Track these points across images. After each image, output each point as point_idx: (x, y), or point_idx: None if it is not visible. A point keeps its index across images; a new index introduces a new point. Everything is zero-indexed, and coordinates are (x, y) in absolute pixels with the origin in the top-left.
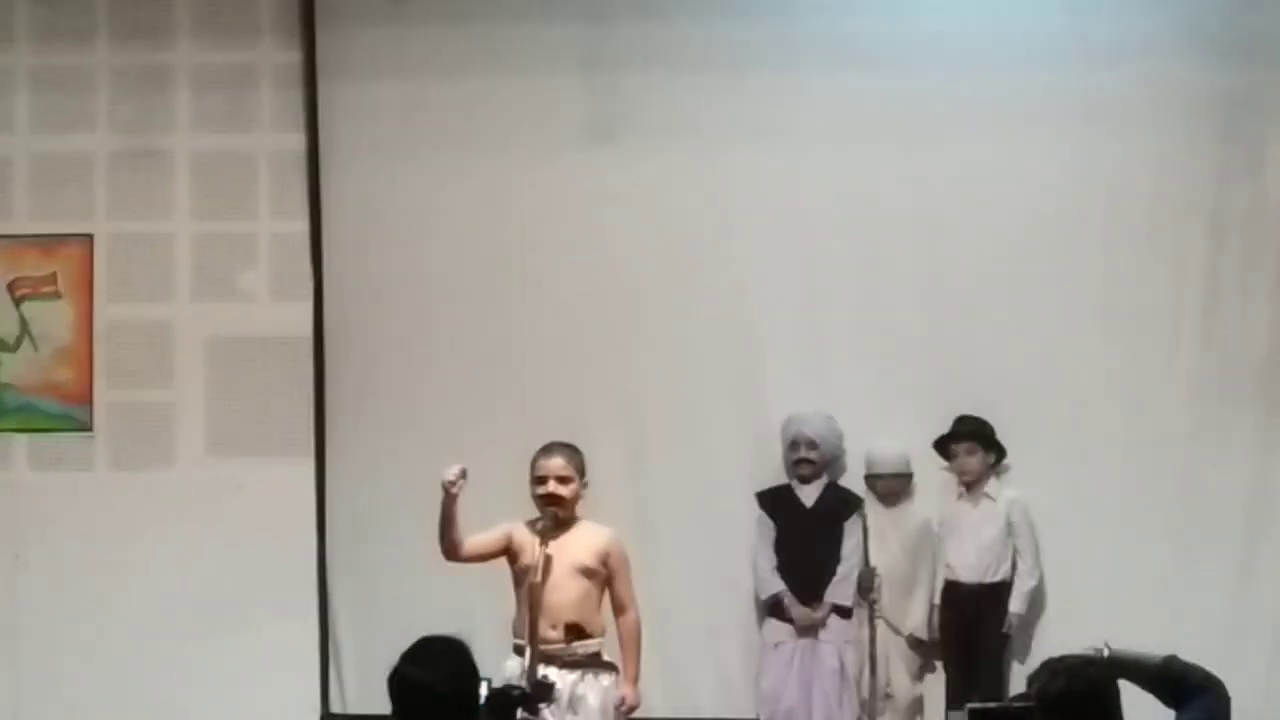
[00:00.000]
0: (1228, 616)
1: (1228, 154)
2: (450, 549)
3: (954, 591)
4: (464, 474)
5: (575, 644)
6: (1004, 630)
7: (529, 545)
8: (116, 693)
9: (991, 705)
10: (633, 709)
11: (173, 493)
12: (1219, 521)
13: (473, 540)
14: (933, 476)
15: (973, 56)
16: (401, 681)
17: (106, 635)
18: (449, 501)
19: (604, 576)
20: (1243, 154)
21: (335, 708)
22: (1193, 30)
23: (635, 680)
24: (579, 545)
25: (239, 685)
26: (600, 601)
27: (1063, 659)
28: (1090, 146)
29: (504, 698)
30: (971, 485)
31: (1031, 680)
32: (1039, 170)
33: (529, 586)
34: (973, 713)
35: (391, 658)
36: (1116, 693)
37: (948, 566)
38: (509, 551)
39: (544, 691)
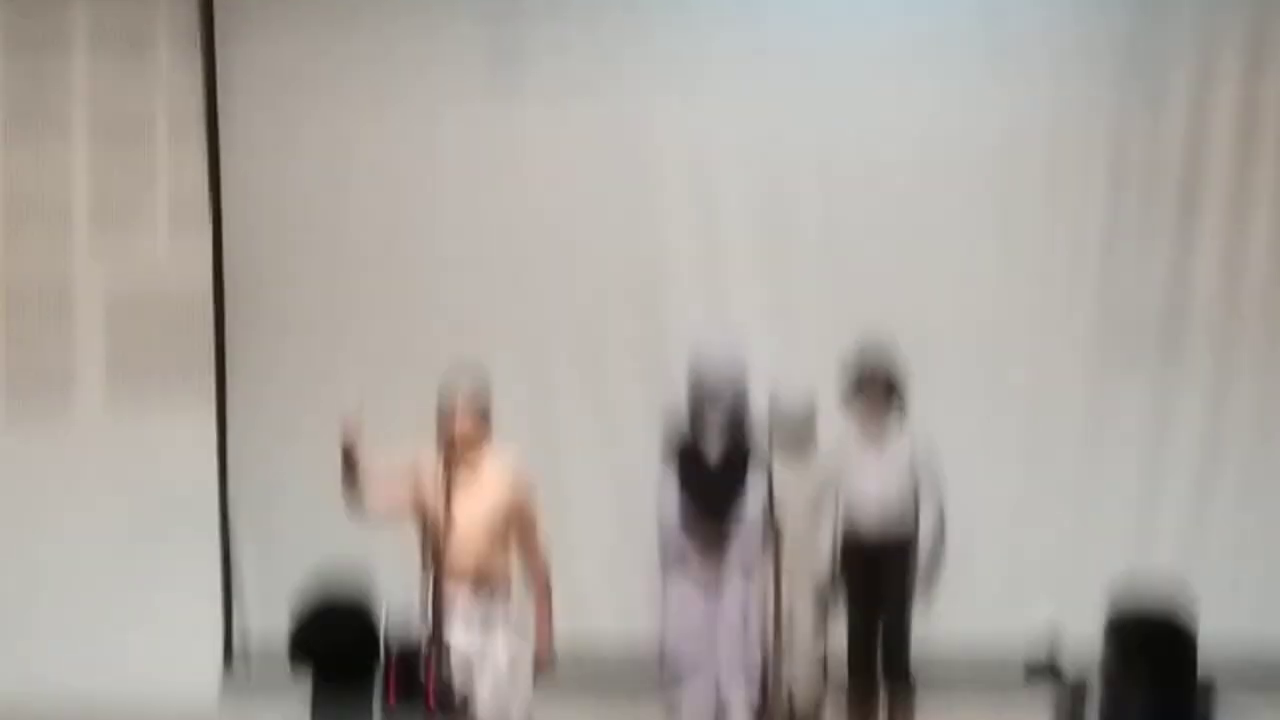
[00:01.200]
0: (1126, 560)
1: (1126, 96)
2: (354, 502)
3: (853, 545)
4: (362, 410)
5: (480, 594)
6: (909, 581)
7: (430, 490)
8: (19, 643)
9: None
10: (546, 663)
11: (71, 442)
12: (1119, 463)
13: (376, 490)
14: (835, 422)
15: None
16: (303, 648)
17: (8, 588)
18: (350, 446)
19: (509, 525)
20: (1141, 96)
21: (239, 647)
22: None
23: (548, 636)
24: (485, 490)
25: (143, 635)
26: (507, 552)
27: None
28: (989, 86)
29: (408, 670)
30: (875, 429)
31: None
32: (938, 111)
33: (433, 547)
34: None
35: (293, 596)
36: None
37: (847, 519)
38: (415, 497)
39: (448, 698)
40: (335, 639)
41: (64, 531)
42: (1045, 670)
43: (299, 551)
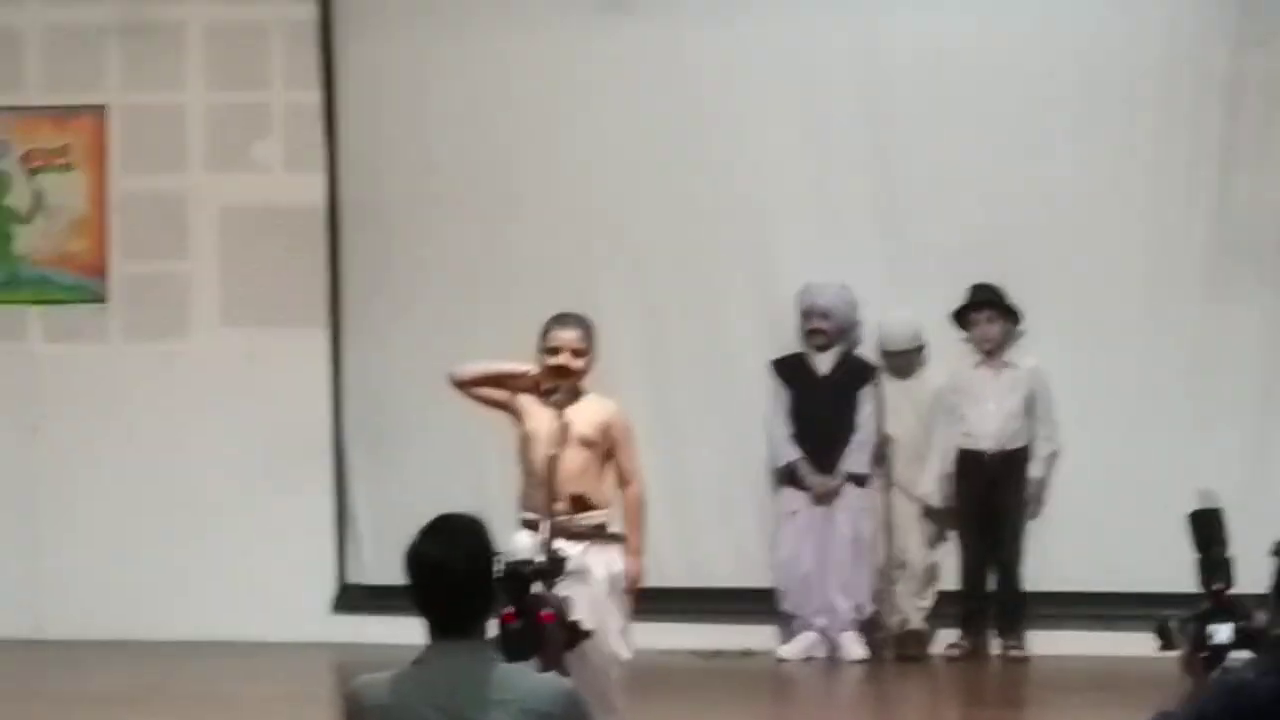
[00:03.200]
0: (1244, 485)
1: (1242, 23)
2: (463, 375)
3: (972, 459)
4: None
5: (580, 515)
6: (1024, 496)
7: (536, 411)
8: (133, 562)
9: None
10: (635, 581)
11: (187, 364)
12: (1234, 389)
13: (484, 364)
14: (945, 345)
15: None
16: (418, 559)
17: (123, 506)
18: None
19: (605, 448)
20: (1258, 23)
21: (351, 577)
22: None
23: (638, 553)
24: (583, 417)
25: (255, 555)
26: (603, 473)
27: None
28: (1105, 14)
29: (517, 574)
30: (991, 353)
31: None
32: (1054, 40)
33: (546, 459)
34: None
35: (407, 527)
36: None
37: (966, 435)
38: (512, 405)
39: (558, 565)
40: (450, 557)
41: (179, 449)
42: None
43: (412, 479)
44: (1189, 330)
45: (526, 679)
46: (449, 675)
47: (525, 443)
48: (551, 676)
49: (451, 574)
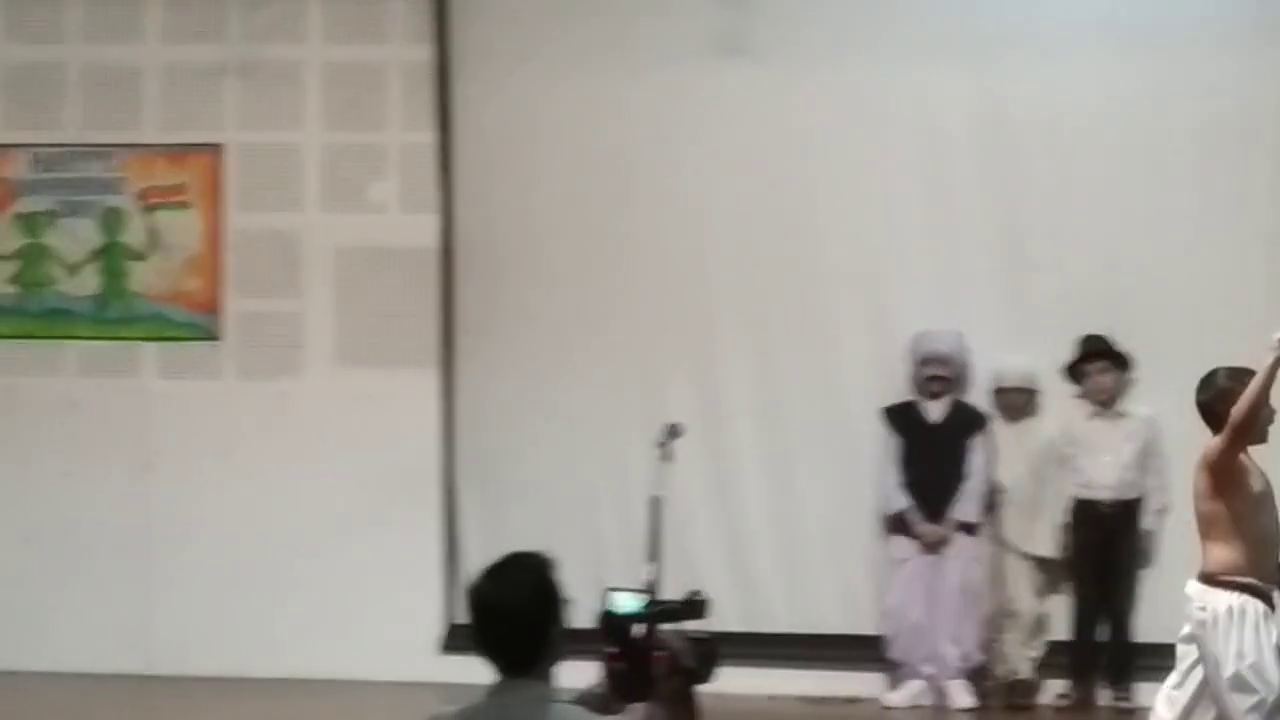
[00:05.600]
0: None
1: None
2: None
3: (1089, 509)
4: None
5: None
6: (1138, 546)
7: (1254, 465)
8: (244, 598)
9: None
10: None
11: (300, 402)
12: None
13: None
14: (1057, 400)
15: None
16: (476, 596)
17: (235, 542)
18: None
19: None
20: None
21: (459, 617)
22: None
23: None
24: None
25: (363, 594)
26: None
27: None
28: (1222, 64)
29: (611, 615)
30: (1106, 403)
31: None
32: (1172, 91)
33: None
34: None
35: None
36: None
37: (1084, 485)
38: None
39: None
40: (509, 596)
41: (289, 488)
42: None
43: (521, 518)
44: None
45: None
46: (504, 713)
47: (1255, 503)
48: None
49: (509, 613)
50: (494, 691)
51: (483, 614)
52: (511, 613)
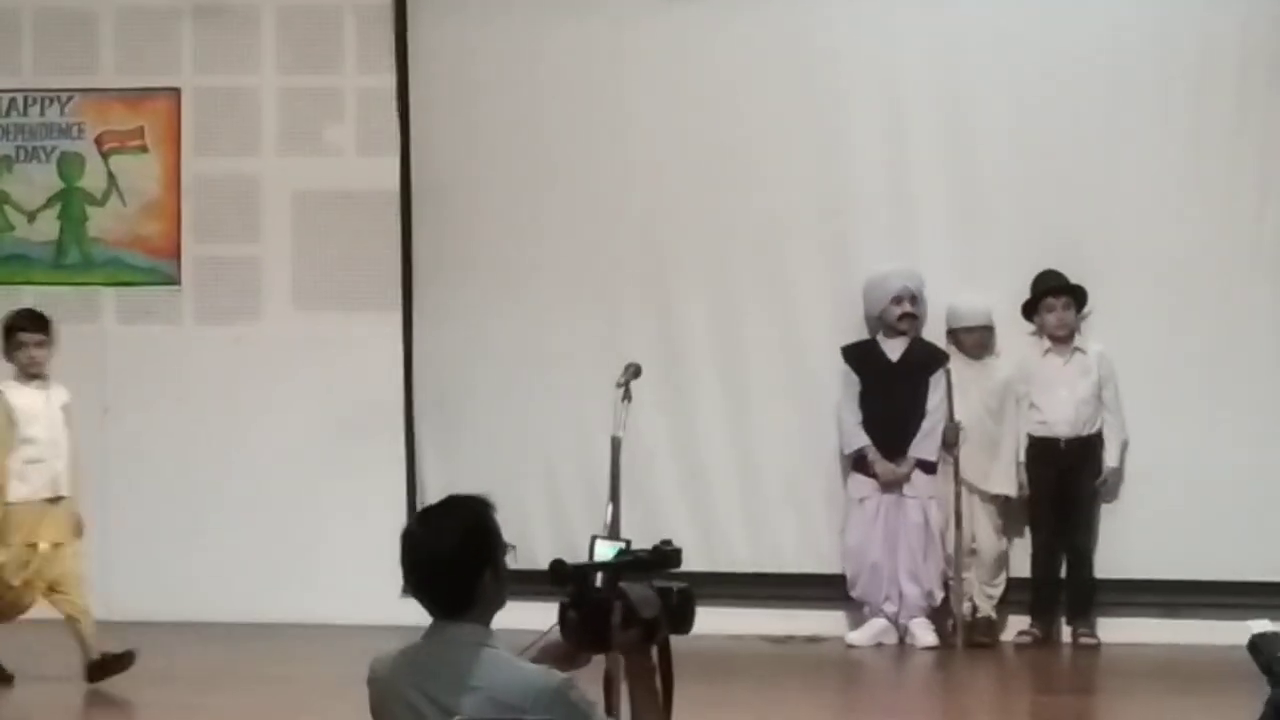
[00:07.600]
0: None
1: None
2: None
3: (1047, 446)
4: None
5: None
6: (1098, 482)
7: None
8: (202, 544)
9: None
10: None
11: (260, 346)
12: None
13: None
14: (1011, 338)
15: None
16: (405, 541)
17: (193, 487)
18: None
19: None
20: None
21: None
22: None
23: None
24: None
25: (325, 538)
26: None
27: None
28: (1178, 3)
29: (561, 565)
30: (1064, 339)
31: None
32: (1128, 30)
33: None
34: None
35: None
36: None
37: (1041, 423)
38: None
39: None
40: (437, 539)
41: (249, 431)
42: None
43: (483, 459)
44: (1261, 317)
45: (506, 669)
46: (434, 657)
47: None
48: (539, 670)
49: (435, 556)
50: (428, 634)
51: (410, 557)
52: (437, 557)
